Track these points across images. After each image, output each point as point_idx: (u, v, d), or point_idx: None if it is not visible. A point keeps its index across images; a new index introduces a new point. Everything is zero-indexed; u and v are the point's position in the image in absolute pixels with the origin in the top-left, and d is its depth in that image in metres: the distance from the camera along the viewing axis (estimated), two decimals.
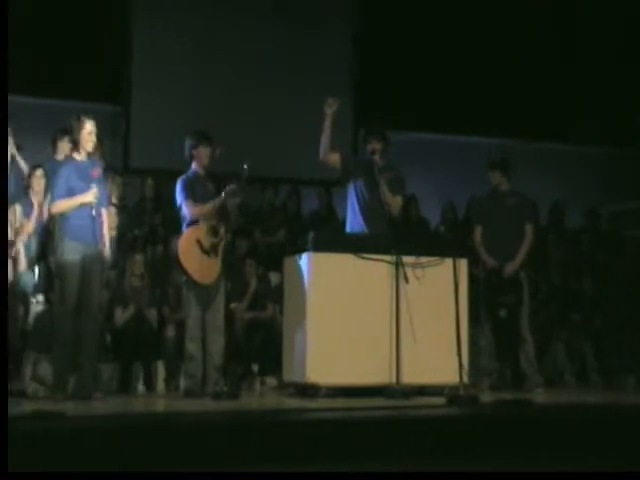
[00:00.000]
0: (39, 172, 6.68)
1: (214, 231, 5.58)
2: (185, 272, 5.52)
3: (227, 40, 9.06)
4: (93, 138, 5.38)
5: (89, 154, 5.42)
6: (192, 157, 5.78)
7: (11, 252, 6.23)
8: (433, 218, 8.38)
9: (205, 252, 5.53)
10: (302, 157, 8.95)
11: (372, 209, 5.78)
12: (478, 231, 6.40)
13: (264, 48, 9.17)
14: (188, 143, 5.78)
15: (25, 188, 6.67)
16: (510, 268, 6.22)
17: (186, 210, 5.66)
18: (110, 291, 6.45)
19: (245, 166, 5.60)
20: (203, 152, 5.73)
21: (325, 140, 5.84)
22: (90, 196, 5.27)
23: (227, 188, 5.58)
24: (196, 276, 5.50)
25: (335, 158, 5.94)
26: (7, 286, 5.06)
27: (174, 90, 8.79)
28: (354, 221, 5.86)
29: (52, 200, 5.41)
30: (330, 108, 5.78)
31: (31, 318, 6.16)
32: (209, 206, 5.59)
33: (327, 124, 5.82)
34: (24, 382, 5.90)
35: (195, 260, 5.50)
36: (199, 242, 5.53)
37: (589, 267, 7.99)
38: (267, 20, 9.23)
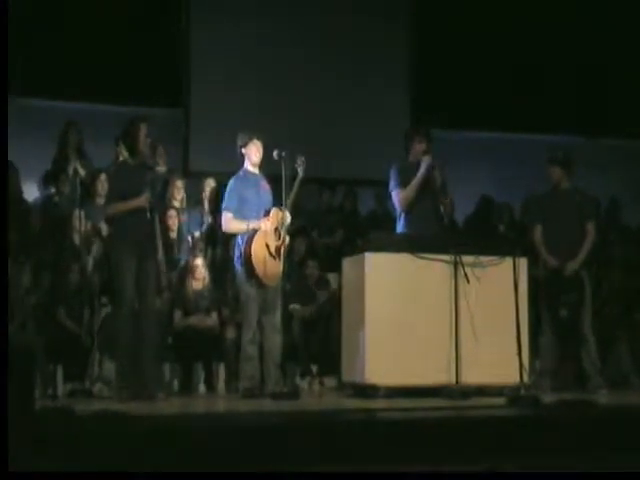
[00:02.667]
0: (103, 176, 6.84)
1: (277, 234, 5.62)
2: (255, 275, 5.54)
3: (285, 42, 9.11)
4: (145, 140, 5.47)
5: (144, 157, 5.52)
6: (242, 156, 5.77)
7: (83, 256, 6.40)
8: (493, 217, 8.30)
9: (271, 255, 5.56)
10: (359, 157, 9.00)
11: (424, 210, 5.76)
12: (538, 230, 6.29)
13: (320, 50, 9.21)
14: (238, 143, 5.78)
15: (88, 193, 6.85)
16: (571, 266, 6.12)
17: (223, 221, 5.72)
18: (172, 293, 6.56)
19: (298, 167, 5.63)
20: (252, 149, 5.72)
21: (410, 194, 5.72)
22: (142, 200, 5.35)
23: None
24: (264, 279, 5.53)
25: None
26: (7, 284, 5.12)
27: (234, 92, 8.88)
28: (406, 222, 5.81)
29: (109, 203, 5.53)
30: (425, 162, 5.71)
31: (97, 319, 6.31)
32: (243, 227, 5.59)
33: (420, 175, 5.71)
34: (90, 382, 6.07)
35: (263, 263, 5.53)
36: (267, 246, 5.57)
37: None
38: (322, 22, 9.26)
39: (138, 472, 3.33)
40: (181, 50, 8.99)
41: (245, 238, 5.57)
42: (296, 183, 5.69)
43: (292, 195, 5.68)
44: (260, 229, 5.56)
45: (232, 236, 6.88)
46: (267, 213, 5.62)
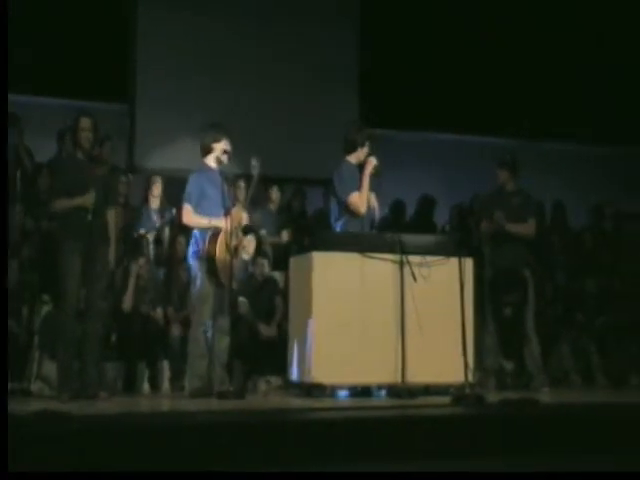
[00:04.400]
0: (45, 171, 6.69)
1: (235, 233, 5.55)
2: (217, 275, 5.45)
3: (233, 39, 9.06)
4: (89, 136, 5.33)
5: (88, 152, 5.39)
6: (210, 151, 5.66)
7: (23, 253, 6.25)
8: (440, 218, 8.38)
9: (230, 254, 5.49)
10: (307, 156, 8.99)
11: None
12: (483, 225, 6.40)
13: (270, 48, 9.18)
14: (207, 135, 5.66)
15: (30, 188, 6.69)
16: (504, 220, 6.17)
17: (183, 213, 5.62)
18: (116, 291, 6.45)
19: (252, 169, 5.59)
20: (223, 148, 5.62)
21: (365, 198, 5.67)
22: (87, 199, 5.23)
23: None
24: (223, 279, 5.47)
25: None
26: (7, 286, 5.04)
27: (180, 89, 8.80)
28: (352, 223, 5.75)
29: (53, 199, 5.39)
30: (371, 167, 5.69)
31: (37, 317, 6.17)
32: (204, 222, 5.51)
33: (366, 181, 5.68)
34: (29, 381, 5.93)
35: (223, 262, 5.46)
36: (226, 244, 5.49)
37: (592, 266, 7.97)
38: (273, 20, 9.23)
39: (75, 473, 3.26)
40: (127, 44, 8.87)
41: (209, 236, 5.47)
42: (252, 184, 5.64)
43: (249, 195, 5.63)
44: (223, 228, 5.48)
45: (181, 233, 6.84)
46: (227, 211, 5.53)
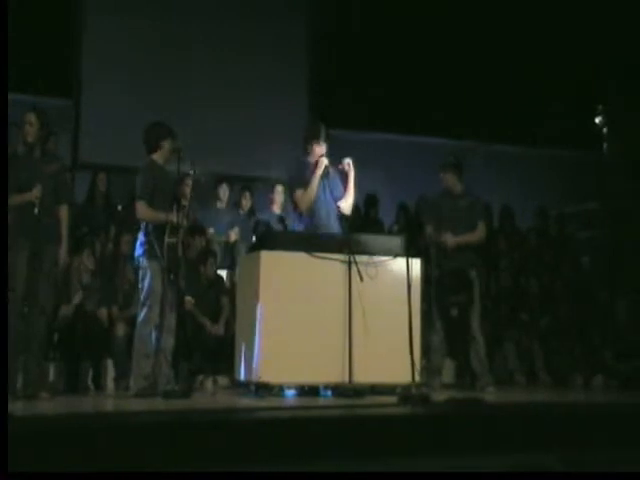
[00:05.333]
0: None
1: (176, 231, 5.48)
2: (176, 272, 5.39)
3: (181, 36, 9.00)
4: (32, 131, 5.22)
5: (34, 147, 5.28)
6: (158, 148, 5.59)
7: None
8: (388, 218, 8.43)
9: (180, 251, 5.48)
10: (254, 155, 8.97)
11: (322, 210, 5.75)
12: (429, 229, 6.42)
13: (220, 47, 9.13)
14: (156, 132, 5.60)
15: None
16: (452, 240, 6.22)
17: (138, 209, 5.50)
18: (58, 288, 6.33)
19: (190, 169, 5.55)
20: (170, 146, 5.57)
21: (312, 195, 5.67)
22: (34, 193, 5.13)
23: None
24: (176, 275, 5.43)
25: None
26: (7, 286, 4.91)
27: (125, 84, 8.70)
28: (306, 222, 5.77)
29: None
30: (323, 163, 5.66)
31: None
32: (161, 217, 5.43)
33: (318, 175, 5.67)
34: None
35: (175, 259, 5.43)
36: (178, 242, 5.44)
37: (536, 267, 8.09)
38: (221, 17, 9.19)
39: (70, 473, 3.20)
40: (71, 37, 8.74)
41: (167, 233, 5.38)
42: (189, 182, 5.60)
43: (189, 192, 5.59)
44: (177, 224, 5.42)
45: (127, 231, 6.74)
46: (178, 208, 5.47)
